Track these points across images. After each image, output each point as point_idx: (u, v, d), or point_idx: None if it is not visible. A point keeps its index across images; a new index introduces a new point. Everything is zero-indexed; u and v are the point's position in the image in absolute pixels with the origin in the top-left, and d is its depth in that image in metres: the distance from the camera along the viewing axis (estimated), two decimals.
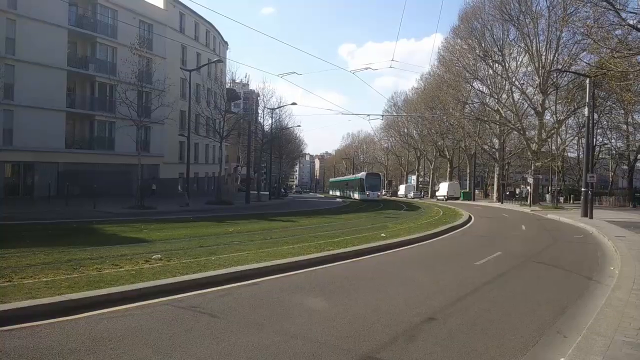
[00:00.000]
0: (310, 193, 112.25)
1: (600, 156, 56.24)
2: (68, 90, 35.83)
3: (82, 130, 38.44)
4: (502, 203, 49.92)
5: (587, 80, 28.82)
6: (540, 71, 42.93)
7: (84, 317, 6.27)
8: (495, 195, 57.06)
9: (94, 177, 33.53)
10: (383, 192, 67.30)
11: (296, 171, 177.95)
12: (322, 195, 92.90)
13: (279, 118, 59.99)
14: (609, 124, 50.46)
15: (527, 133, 48.34)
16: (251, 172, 53.15)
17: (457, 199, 62.25)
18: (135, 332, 5.71)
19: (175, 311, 6.70)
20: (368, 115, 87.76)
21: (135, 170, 29.14)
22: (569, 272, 11.00)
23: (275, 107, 54.88)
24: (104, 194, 31.05)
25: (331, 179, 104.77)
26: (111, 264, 9.43)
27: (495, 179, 57.75)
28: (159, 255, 10.54)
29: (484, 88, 51.57)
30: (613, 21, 20.56)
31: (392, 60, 55.49)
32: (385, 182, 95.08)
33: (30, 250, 11.06)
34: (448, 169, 73.82)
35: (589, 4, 21.55)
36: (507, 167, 60.53)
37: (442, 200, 62.72)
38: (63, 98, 34.91)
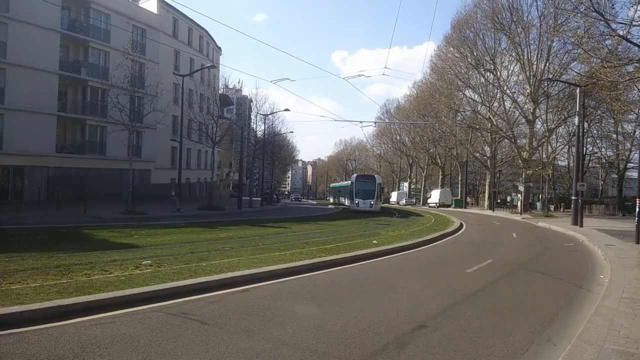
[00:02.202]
0: (302, 200, 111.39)
1: (590, 165, 56.72)
2: (60, 94, 35.59)
3: (73, 134, 38.19)
4: (493, 211, 50.17)
5: (578, 90, 29.15)
6: (531, 80, 43.31)
7: (73, 323, 6.21)
8: (486, 203, 57.33)
9: (84, 181, 33.31)
10: (380, 202, 47.25)
11: (288, 177, 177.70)
12: (315, 202, 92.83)
13: (272, 124, 60.03)
14: (599, 133, 50.93)
15: (518, 141, 48.72)
16: (243, 178, 53.04)
17: (449, 206, 62.49)
18: (124, 339, 5.66)
19: (165, 318, 6.65)
20: (361, 122, 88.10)
21: (126, 175, 28.98)
22: (559, 280, 11.05)
23: (268, 113, 54.96)
24: (95, 198, 30.79)
25: (332, 185, 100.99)
26: (101, 270, 9.35)
27: (487, 187, 58.05)
28: (149, 261, 10.47)
29: (476, 96, 51.99)
30: (603, 31, 20.79)
31: (385, 67, 55.58)
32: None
33: (18, 255, 10.94)
34: (440, 177, 74.17)
35: (579, 15, 21.80)
36: (498, 175, 60.87)
37: (434, 207, 62.96)
38: (54, 102, 34.65)
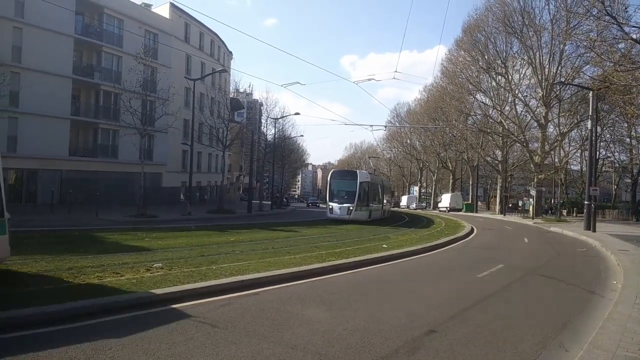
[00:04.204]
0: (320, 204, 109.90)
1: (603, 169, 56.14)
2: (73, 98, 35.99)
3: (86, 138, 38.59)
4: (504, 215, 49.81)
5: (590, 94, 28.87)
6: (543, 84, 43.03)
7: (84, 325, 6.28)
8: (497, 207, 56.94)
9: (96, 184, 33.60)
10: (372, 207, 34.97)
11: (298, 181, 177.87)
12: (325, 206, 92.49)
13: (282, 128, 60.14)
14: (613, 137, 50.48)
15: (530, 145, 48.35)
16: (254, 182, 53.19)
17: (460, 210, 62.11)
18: (135, 341, 5.70)
19: (175, 320, 6.69)
20: (371, 126, 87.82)
21: (137, 179, 29.19)
22: (571, 286, 10.94)
23: (279, 116, 55.10)
24: (107, 201, 31.07)
25: None
26: (112, 272, 9.42)
27: (498, 191, 57.65)
28: (160, 264, 10.54)
29: (487, 100, 51.77)
30: (616, 35, 20.63)
31: (395, 71, 55.63)
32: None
33: (31, 257, 11.06)
34: (450, 181, 73.78)
35: (592, 18, 21.68)
36: (509, 179, 60.48)
37: (445, 211, 62.58)
38: (68, 106, 35.04)
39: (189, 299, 7.84)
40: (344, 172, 37.86)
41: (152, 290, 7.92)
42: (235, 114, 62.31)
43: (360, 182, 32.35)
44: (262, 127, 60.16)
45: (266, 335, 6.19)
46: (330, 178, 34.83)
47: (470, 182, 66.18)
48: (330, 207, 32.85)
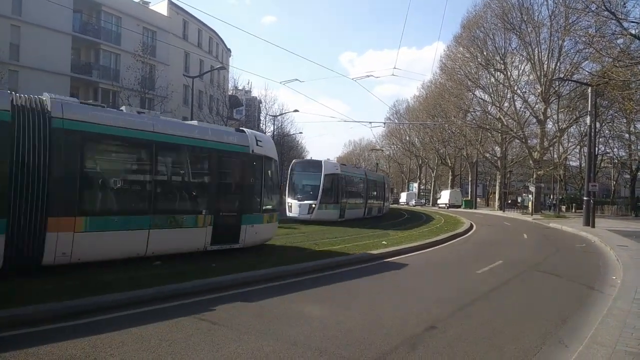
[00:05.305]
0: None
1: (602, 165, 56.17)
2: (71, 96, 35.67)
3: None
4: (503, 211, 49.80)
5: (589, 89, 28.86)
6: (542, 80, 42.99)
7: (84, 322, 6.28)
8: (497, 203, 56.97)
9: None
10: (347, 203, 29.28)
11: None
12: None
13: (281, 125, 60.12)
14: (611, 132, 50.43)
15: (529, 141, 48.33)
16: None
17: (459, 207, 62.10)
18: (135, 338, 5.70)
19: (175, 317, 6.69)
20: (370, 122, 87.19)
21: None
22: (570, 282, 10.97)
23: (278, 114, 55.07)
24: None
25: None
26: (112, 270, 9.41)
27: (497, 187, 57.67)
28: (159, 262, 10.52)
29: (486, 96, 51.68)
30: (615, 30, 20.70)
31: (394, 68, 55.00)
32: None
33: None
34: (450, 177, 73.78)
35: (590, 14, 21.70)
36: (509, 175, 60.46)
37: (444, 208, 62.58)
38: None
39: (189, 296, 7.83)
40: (307, 163, 32.28)
41: (152, 288, 7.90)
42: (234, 111, 62.16)
43: (325, 175, 26.94)
44: (261, 125, 60.10)
45: (266, 332, 6.19)
46: (291, 170, 29.29)
47: (470, 179, 66.23)
48: (289, 204, 27.02)
